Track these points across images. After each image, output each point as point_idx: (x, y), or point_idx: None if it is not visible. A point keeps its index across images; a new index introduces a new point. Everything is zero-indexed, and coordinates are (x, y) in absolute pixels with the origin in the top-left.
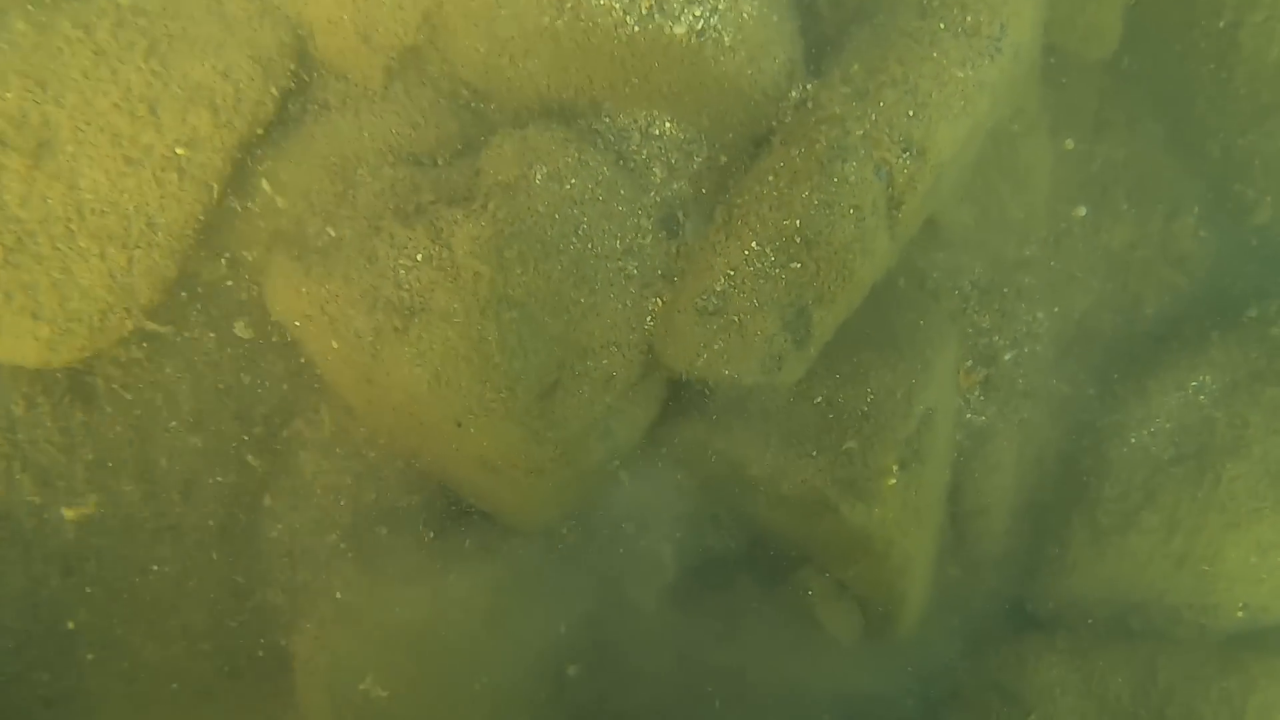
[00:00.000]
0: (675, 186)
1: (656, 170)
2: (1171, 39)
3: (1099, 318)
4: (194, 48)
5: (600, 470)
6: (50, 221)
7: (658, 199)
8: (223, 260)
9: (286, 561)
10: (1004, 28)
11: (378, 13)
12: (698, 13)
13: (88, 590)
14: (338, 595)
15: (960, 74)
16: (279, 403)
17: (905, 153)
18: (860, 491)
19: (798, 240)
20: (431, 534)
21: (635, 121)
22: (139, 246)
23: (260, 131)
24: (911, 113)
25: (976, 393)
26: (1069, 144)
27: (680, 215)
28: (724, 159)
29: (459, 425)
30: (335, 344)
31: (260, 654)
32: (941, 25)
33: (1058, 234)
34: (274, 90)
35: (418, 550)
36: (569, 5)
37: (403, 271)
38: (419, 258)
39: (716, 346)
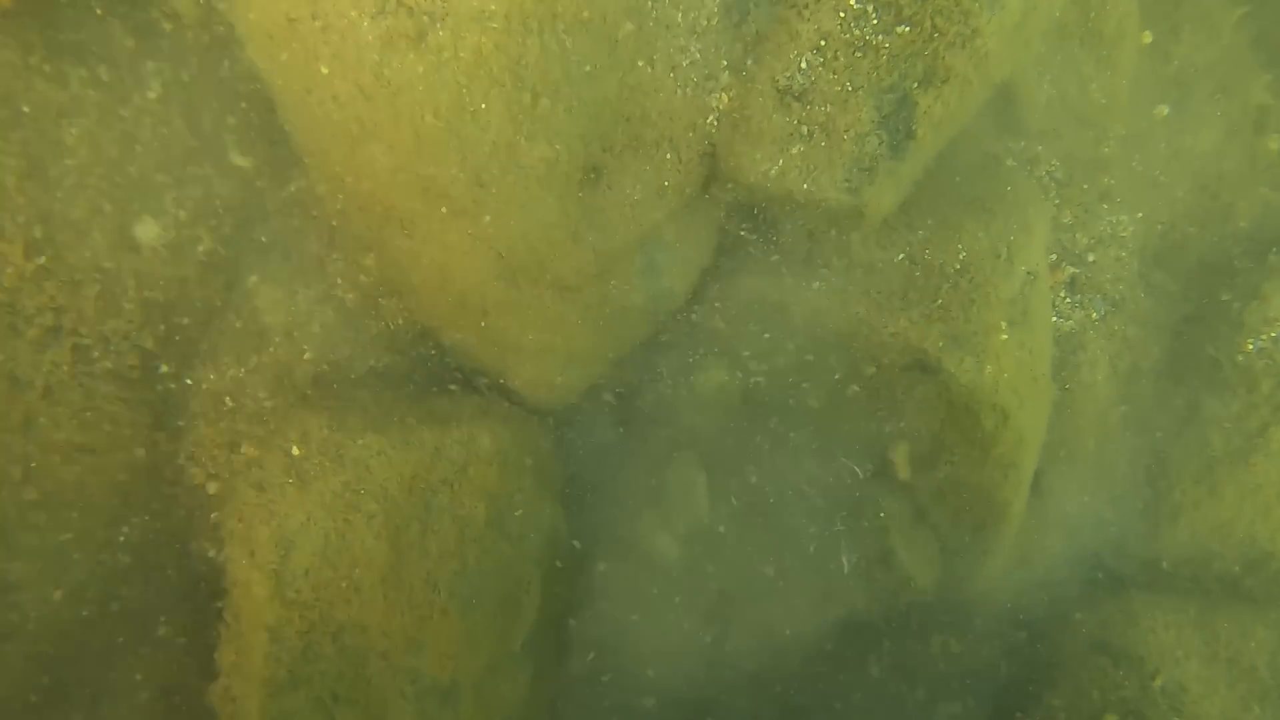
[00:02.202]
0: None
1: None
2: None
3: (1185, 230)
4: None
5: (637, 326)
6: None
7: None
8: None
9: (224, 419)
10: None
11: None
12: None
13: None
14: (294, 450)
15: None
16: (230, 205)
17: None
18: (968, 345)
19: None
20: (422, 388)
21: None
22: None
23: None
24: None
25: (1062, 293)
26: (1147, 36)
27: (749, 6)
28: None
29: (481, 185)
30: (325, 68)
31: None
32: None
33: (1139, 133)
34: None
35: (401, 407)
36: None
37: None
38: None
39: (795, 150)
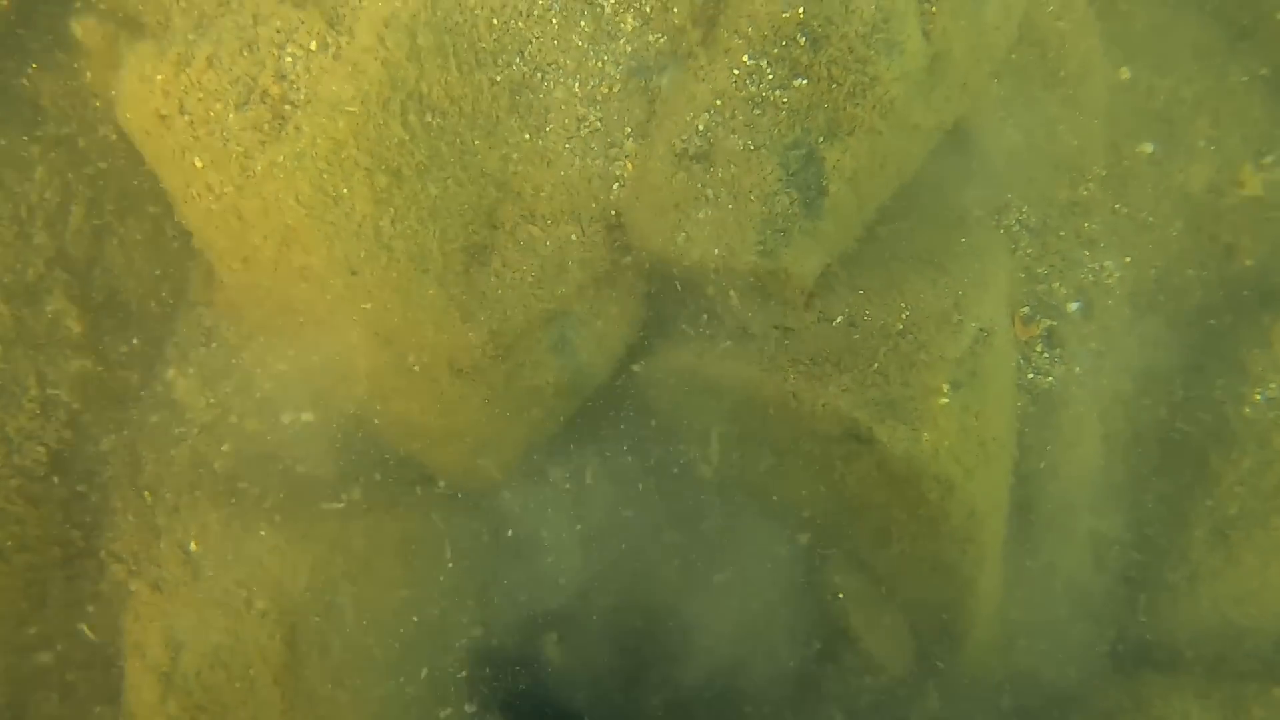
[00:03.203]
0: (651, 39)
1: (628, 20)
2: None
3: (1183, 273)
4: None
5: (555, 405)
6: None
7: (628, 49)
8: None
9: (144, 513)
10: None
11: None
12: None
13: None
14: (191, 545)
15: None
16: (131, 289)
17: None
18: (902, 412)
19: (801, 40)
20: (325, 478)
21: None
22: None
23: None
24: None
25: (1039, 348)
26: (1125, 73)
27: (655, 69)
28: (709, 9)
29: (354, 273)
30: (198, 161)
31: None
32: None
33: (1121, 173)
34: None
35: (312, 499)
36: None
37: (288, 60)
38: (311, 44)
39: (701, 214)
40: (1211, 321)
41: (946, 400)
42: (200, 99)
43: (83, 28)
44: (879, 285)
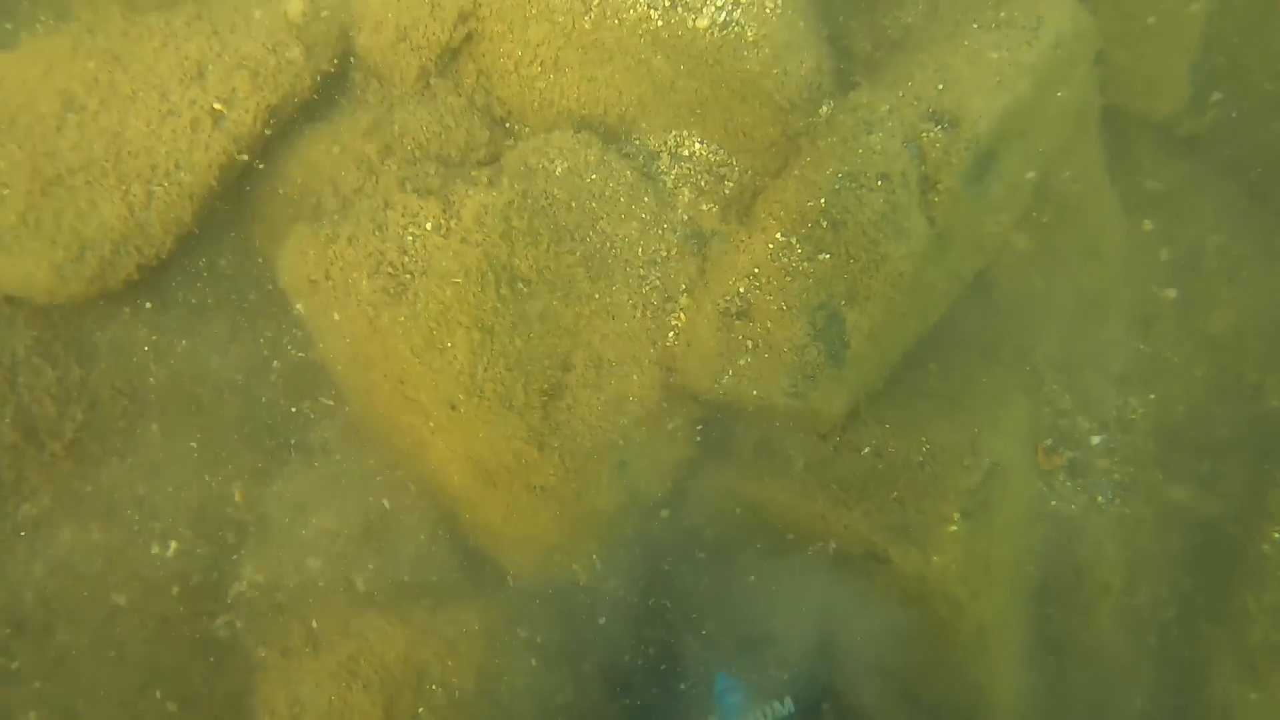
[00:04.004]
0: (705, 208)
1: (685, 192)
2: (1252, 92)
3: (1209, 410)
4: (252, 31)
5: (616, 516)
6: (91, 163)
7: (685, 217)
8: (233, 235)
9: (259, 593)
10: (1041, 19)
11: (417, 12)
12: (719, 4)
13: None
14: (312, 624)
15: (995, 55)
16: (277, 410)
17: (936, 125)
18: (914, 537)
19: (824, 224)
20: (422, 572)
21: (665, 143)
22: (161, 184)
23: (294, 107)
24: (941, 86)
25: (1062, 478)
26: (1148, 225)
27: (708, 235)
28: (755, 182)
29: (453, 408)
30: (337, 315)
31: (221, 694)
32: (975, 25)
33: (1145, 316)
34: (314, 71)
35: (407, 587)
36: (595, 2)
37: (409, 238)
38: (428, 226)
39: (742, 361)
40: (1236, 458)
41: (956, 527)
42: (341, 268)
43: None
44: (903, 421)
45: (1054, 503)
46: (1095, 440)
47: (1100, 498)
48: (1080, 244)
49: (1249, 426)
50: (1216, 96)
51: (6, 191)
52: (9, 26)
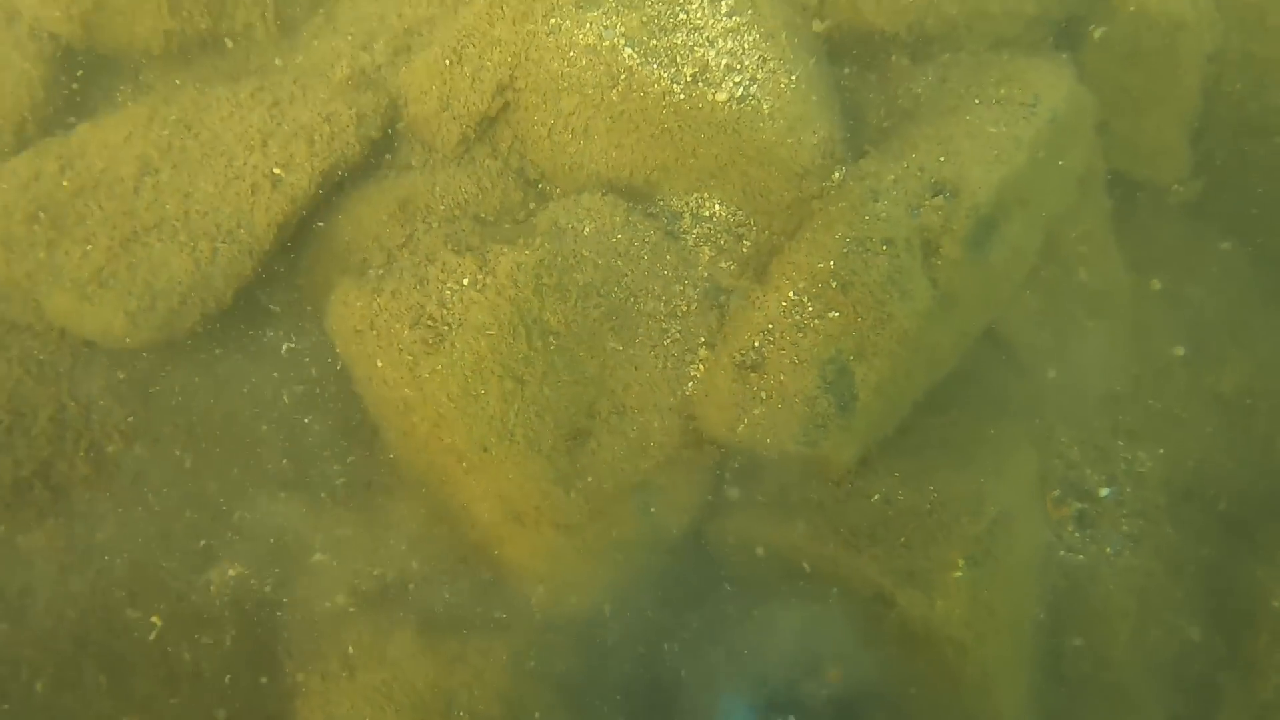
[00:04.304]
0: (723, 266)
1: (705, 250)
2: (1250, 158)
3: (1220, 464)
4: (309, 101)
5: (637, 555)
6: (162, 221)
7: (705, 274)
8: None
9: (301, 617)
10: (1038, 97)
11: (459, 84)
12: (737, 79)
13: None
14: (349, 649)
15: (993, 130)
16: (320, 449)
17: (937, 194)
18: (920, 582)
19: (833, 284)
20: (452, 603)
21: (687, 205)
22: (225, 241)
23: (345, 170)
24: (943, 158)
25: (1070, 528)
26: (1156, 284)
27: (726, 291)
28: (771, 241)
29: (485, 450)
30: (379, 362)
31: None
32: (977, 101)
33: (1154, 373)
34: (364, 138)
35: (438, 619)
36: (623, 76)
37: (448, 292)
38: (465, 282)
39: (756, 411)
40: (1247, 512)
41: (961, 573)
42: (384, 319)
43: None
44: (913, 470)
45: (1063, 552)
46: (1104, 492)
47: (1109, 548)
48: (1088, 302)
49: (1259, 482)
50: (1217, 162)
51: (89, 246)
52: (91, 96)
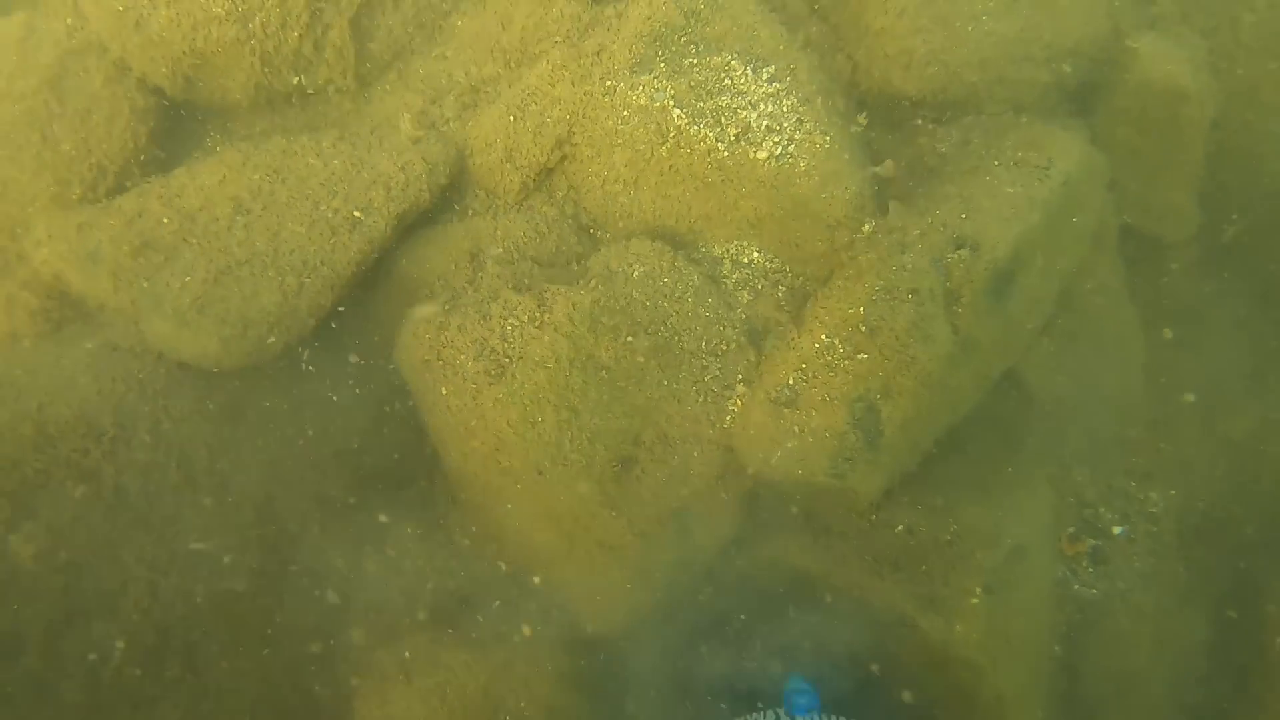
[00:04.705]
0: (760, 309)
1: (744, 294)
2: (1254, 217)
3: (1229, 508)
4: (385, 150)
5: (675, 575)
6: (253, 257)
7: (743, 316)
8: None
9: (361, 626)
10: (1052, 161)
11: (521, 137)
12: (776, 140)
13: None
14: (406, 655)
15: (1010, 190)
16: (386, 469)
17: (959, 249)
18: (940, 606)
19: (862, 329)
20: (503, 616)
21: (727, 251)
22: (309, 276)
23: (417, 214)
24: (964, 215)
25: (1085, 564)
26: (1168, 333)
27: (763, 332)
28: (805, 287)
29: (540, 473)
30: (444, 390)
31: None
32: (995, 162)
33: (1166, 418)
34: (435, 185)
35: (488, 629)
36: (672, 134)
37: (509, 328)
38: (525, 318)
39: (790, 444)
40: (1256, 555)
41: (978, 600)
42: (450, 351)
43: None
44: (935, 504)
45: (1077, 587)
46: (1117, 530)
47: (1122, 584)
48: (1103, 350)
49: (1268, 527)
50: (1233, 219)
51: (188, 278)
52: (185, 143)
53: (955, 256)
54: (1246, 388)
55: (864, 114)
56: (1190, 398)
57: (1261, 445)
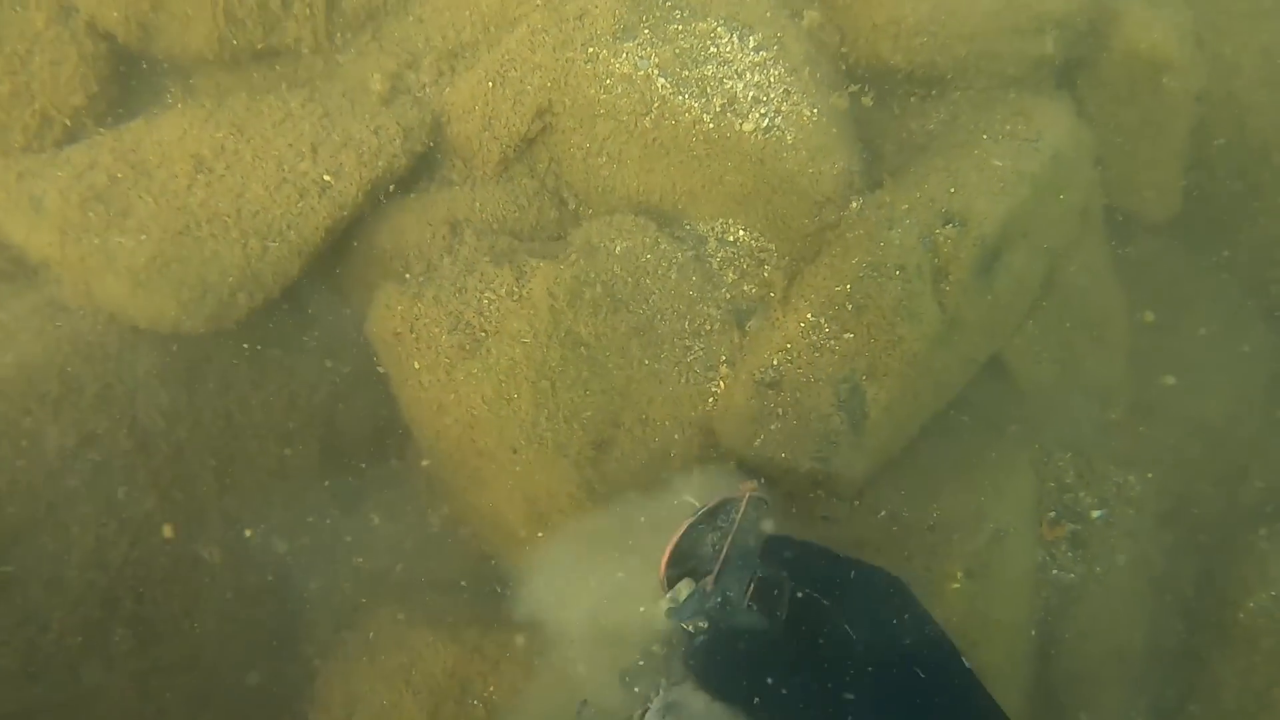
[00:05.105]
0: (745, 289)
1: (729, 273)
2: (1242, 202)
3: (1201, 489)
4: (357, 114)
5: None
6: (215, 217)
7: (728, 295)
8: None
9: (323, 606)
10: (1041, 134)
11: (500, 105)
12: (762, 112)
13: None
14: (370, 635)
15: (999, 163)
16: (354, 445)
17: (947, 224)
18: (921, 591)
19: (849, 307)
20: (473, 598)
21: (712, 229)
22: (274, 241)
23: (391, 183)
24: (952, 190)
25: (1063, 548)
26: (1149, 316)
27: (747, 312)
28: (792, 266)
29: (515, 451)
30: (417, 364)
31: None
32: (984, 135)
33: (1147, 401)
34: (410, 152)
35: (458, 610)
36: (655, 104)
37: (486, 301)
38: (502, 291)
39: (773, 426)
40: (1221, 534)
41: (959, 585)
42: (424, 324)
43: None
44: (917, 489)
45: (1055, 571)
46: (1096, 515)
47: (1099, 568)
48: (1087, 333)
49: (1232, 505)
50: (1208, 197)
51: (143, 236)
52: (141, 95)
53: (943, 232)
54: (1222, 369)
55: (855, 85)
56: (1170, 380)
57: (1234, 426)
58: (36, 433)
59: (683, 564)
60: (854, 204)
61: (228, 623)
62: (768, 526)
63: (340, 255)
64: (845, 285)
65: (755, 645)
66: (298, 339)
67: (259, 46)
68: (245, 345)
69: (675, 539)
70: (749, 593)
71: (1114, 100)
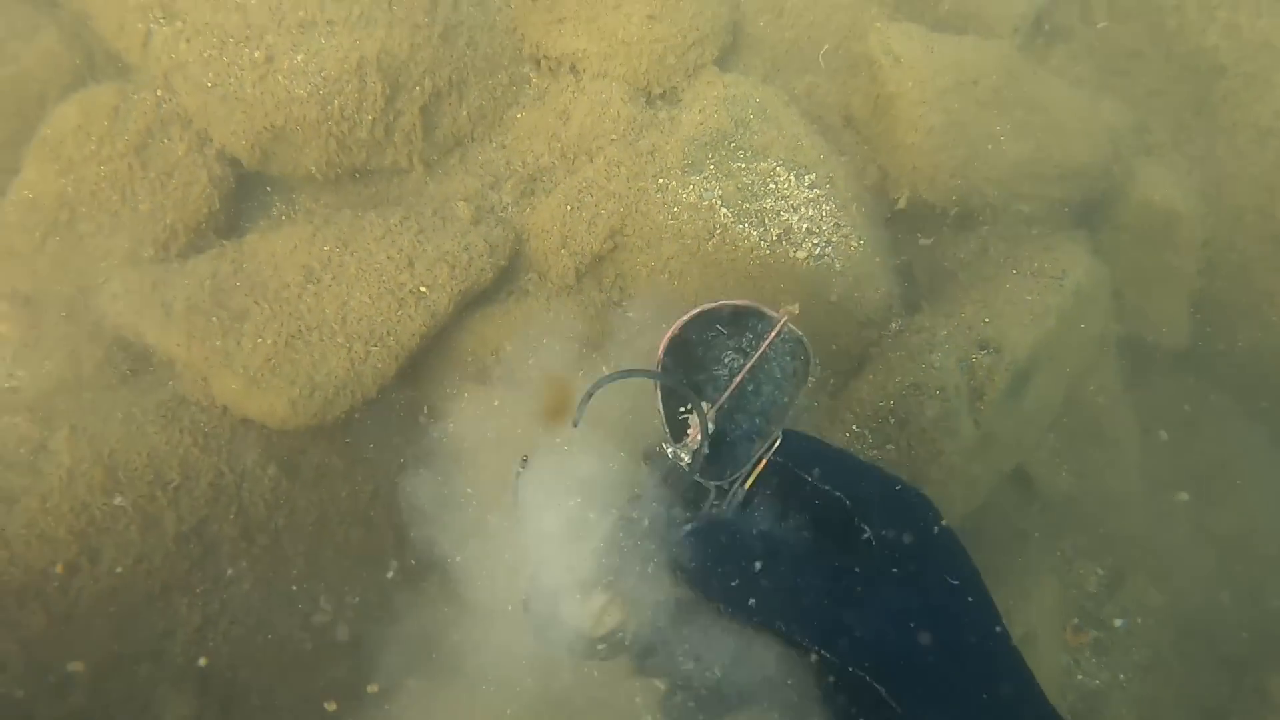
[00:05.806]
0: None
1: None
2: (1242, 329)
3: (1219, 601)
4: (448, 230)
5: None
6: (323, 323)
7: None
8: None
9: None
10: (1065, 272)
11: (577, 226)
12: (815, 242)
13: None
14: None
15: (1029, 298)
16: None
17: (982, 350)
18: None
19: (891, 421)
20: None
21: None
22: (375, 345)
23: (477, 291)
24: (986, 320)
25: (1087, 654)
26: (1163, 435)
27: (794, 422)
28: (831, 380)
29: None
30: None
31: None
32: (1014, 271)
33: (1160, 515)
34: (495, 266)
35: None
36: (718, 231)
37: None
38: None
39: None
40: (1241, 649)
41: None
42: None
43: None
44: None
45: (1080, 676)
46: (1118, 623)
47: (1122, 675)
48: (1103, 449)
49: (1252, 618)
50: (1216, 330)
51: (260, 339)
52: (252, 210)
53: (979, 357)
54: (1231, 487)
55: (901, 199)
56: (1184, 496)
57: (1247, 542)
58: (158, 518)
59: (685, 363)
60: (894, 324)
61: (308, 702)
62: (799, 377)
63: (423, 359)
64: (889, 401)
65: (753, 536)
66: (384, 435)
67: (359, 167)
68: (338, 439)
69: (684, 319)
70: (756, 469)
71: (1130, 241)
